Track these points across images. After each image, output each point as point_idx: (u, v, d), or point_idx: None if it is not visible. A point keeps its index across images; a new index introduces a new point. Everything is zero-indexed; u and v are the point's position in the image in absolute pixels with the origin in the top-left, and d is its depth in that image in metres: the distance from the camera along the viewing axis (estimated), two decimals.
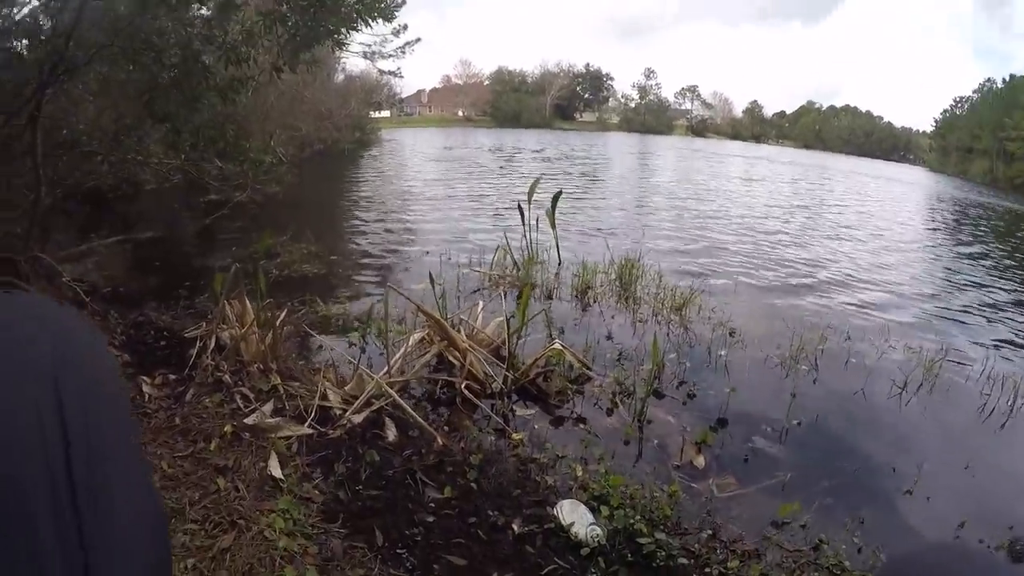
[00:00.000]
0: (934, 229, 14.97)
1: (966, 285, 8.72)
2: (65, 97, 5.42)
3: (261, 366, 3.47)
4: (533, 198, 7.06)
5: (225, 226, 6.98)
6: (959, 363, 5.28)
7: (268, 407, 3.14)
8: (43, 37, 4.86)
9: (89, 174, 6.91)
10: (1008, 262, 10.97)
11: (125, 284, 4.82)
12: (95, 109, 6.10)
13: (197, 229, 6.92)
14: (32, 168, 4.74)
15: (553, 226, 7.16)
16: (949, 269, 9.90)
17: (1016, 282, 9.12)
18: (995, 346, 5.87)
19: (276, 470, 2.63)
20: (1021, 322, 7.00)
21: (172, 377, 3.35)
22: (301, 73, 6.53)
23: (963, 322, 6.74)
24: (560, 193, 7.28)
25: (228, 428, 2.90)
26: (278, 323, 3.57)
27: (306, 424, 3.02)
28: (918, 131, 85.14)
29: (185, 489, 2.47)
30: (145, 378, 3.24)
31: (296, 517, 2.40)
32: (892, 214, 17.07)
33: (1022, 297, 8.22)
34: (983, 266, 10.36)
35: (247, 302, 3.73)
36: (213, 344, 3.58)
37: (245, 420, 3.00)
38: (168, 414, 3.00)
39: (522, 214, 6.87)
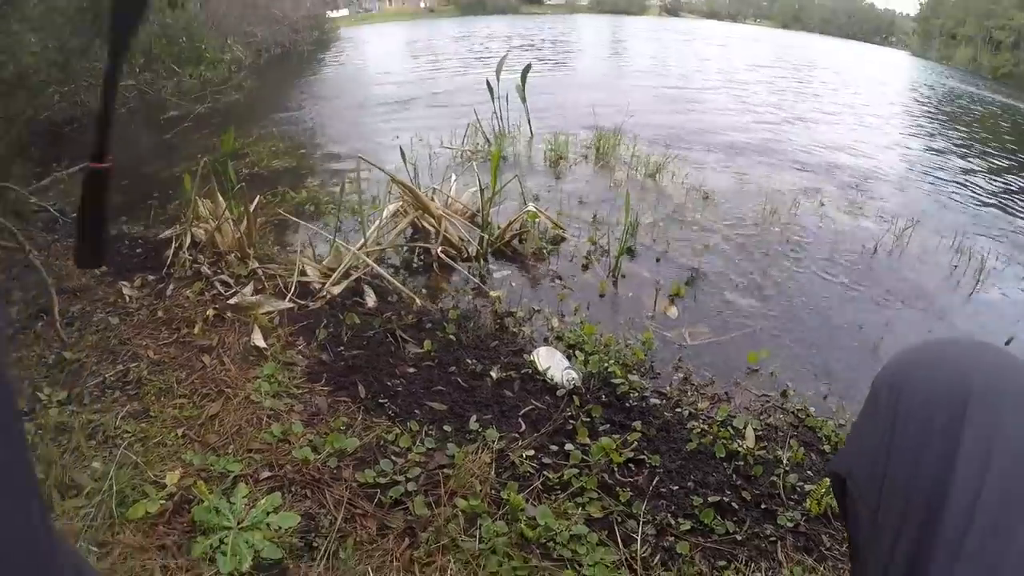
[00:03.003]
0: (915, 113, 14.68)
1: (942, 167, 8.63)
2: (5, 33, 5.23)
3: (238, 254, 3.48)
4: (502, 75, 6.94)
5: (189, 139, 6.85)
6: (928, 234, 5.29)
7: (248, 289, 3.17)
8: None
9: (43, 108, 6.75)
10: (986, 150, 10.81)
11: None
12: (39, 40, 5.89)
13: (160, 145, 6.80)
14: None
15: (524, 100, 7.05)
16: (928, 150, 9.78)
17: (993, 169, 9.01)
18: (967, 223, 5.87)
19: (259, 341, 2.68)
20: (993, 204, 6.97)
21: (151, 278, 3.35)
22: None
23: (937, 200, 6.70)
24: (529, 67, 7.11)
25: (210, 312, 2.93)
26: (252, 210, 3.56)
27: (287, 299, 3.05)
28: (902, 14, 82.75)
29: (172, 371, 2.51)
30: (124, 283, 3.25)
31: (281, 380, 2.46)
32: (874, 96, 16.74)
33: (998, 183, 8.15)
34: (963, 151, 10.22)
35: (219, 197, 3.70)
36: (189, 241, 3.56)
37: (228, 302, 3.04)
38: (150, 310, 3.02)
39: (491, 91, 6.75)
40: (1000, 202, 6.97)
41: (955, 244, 4.99)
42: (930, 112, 15.05)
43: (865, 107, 13.44)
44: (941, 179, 7.68)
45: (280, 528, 1.78)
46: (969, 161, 9.15)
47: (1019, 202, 7.11)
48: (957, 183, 7.58)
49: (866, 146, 8.96)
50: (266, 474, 2.00)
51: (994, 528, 0.57)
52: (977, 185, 7.67)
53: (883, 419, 0.71)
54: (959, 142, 10.86)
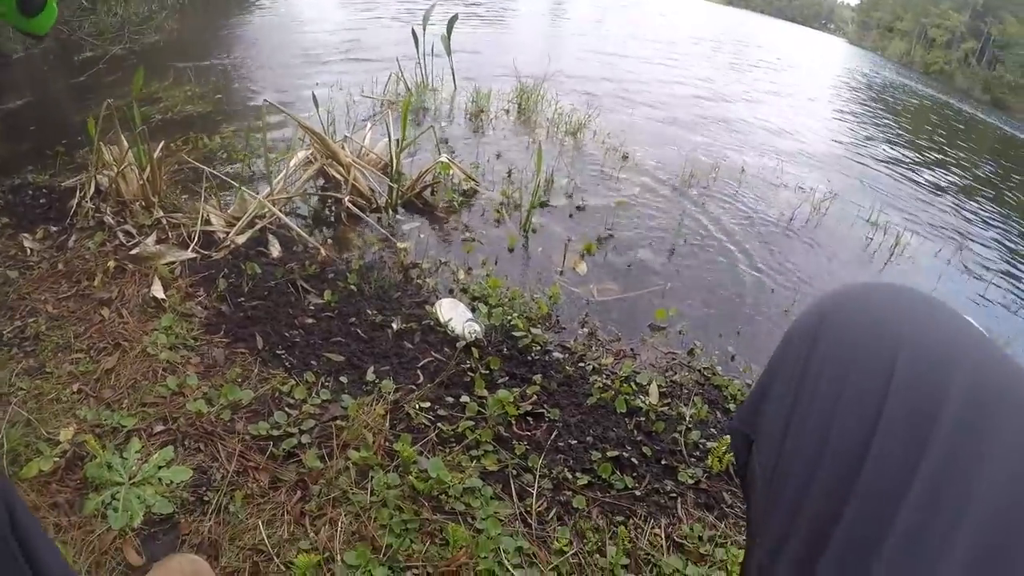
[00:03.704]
0: (847, 98, 14.92)
1: (867, 151, 8.88)
2: None
3: (143, 202, 3.42)
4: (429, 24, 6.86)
5: (102, 81, 6.59)
6: (846, 207, 5.49)
7: (151, 239, 3.13)
8: None
9: None
10: (912, 139, 11.10)
11: None
12: None
13: (72, 87, 6.54)
14: None
15: (448, 52, 6.97)
16: (855, 134, 10.02)
17: (917, 159, 9.29)
18: (886, 203, 6.08)
19: (159, 292, 2.67)
20: (909, 184, 7.25)
21: (54, 229, 3.27)
22: None
23: (858, 179, 6.97)
24: (456, 17, 7.02)
25: (111, 263, 2.89)
26: (157, 156, 3.50)
27: (190, 249, 3.03)
28: (841, 2, 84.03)
29: (70, 325, 2.49)
30: (26, 235, 3.17)
31: (178, 332, 2.47)
32: (809, 78, 16.94)
33: (916, 168, 8.43)
34: (888, 138, 10.49)
35: (123, 142, 3.62)
36: (92, 190, 3.48)
37: (129, 252, 3.01)
38: (51, 262, 2.95)
39: (416, 40, 6.66)
40: (919, 187, 7.27)
41: (872, 220, 5.17)
42: (861, 99, 15.45)
43: (799, 88, 13.80)
44: (864, 162, 7.96)
45: (172, 482, 1.81)
46: (895, 148, 9.51)
47: (938, 189, 7.43)
48: (881, 167, 7.89)
49: (795, 124, 9.20)
50: (160, 428, 2.02)
51: (925, 531, 0.46)
52: (899, 171, 7.99)
53: (791, 368, 0.62)
54: (886, 130, 11.22)
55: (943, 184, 7.99)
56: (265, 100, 3.88)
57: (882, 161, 8.28)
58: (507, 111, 6.44)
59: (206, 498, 1.80)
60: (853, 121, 11.30)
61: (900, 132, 11.65)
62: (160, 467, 1.84)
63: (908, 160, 8.92)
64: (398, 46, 8.31)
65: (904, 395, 0.50)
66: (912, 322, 0.55)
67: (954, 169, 9.09)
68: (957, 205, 7.08)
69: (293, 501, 1.83)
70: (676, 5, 45.51)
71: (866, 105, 14.40)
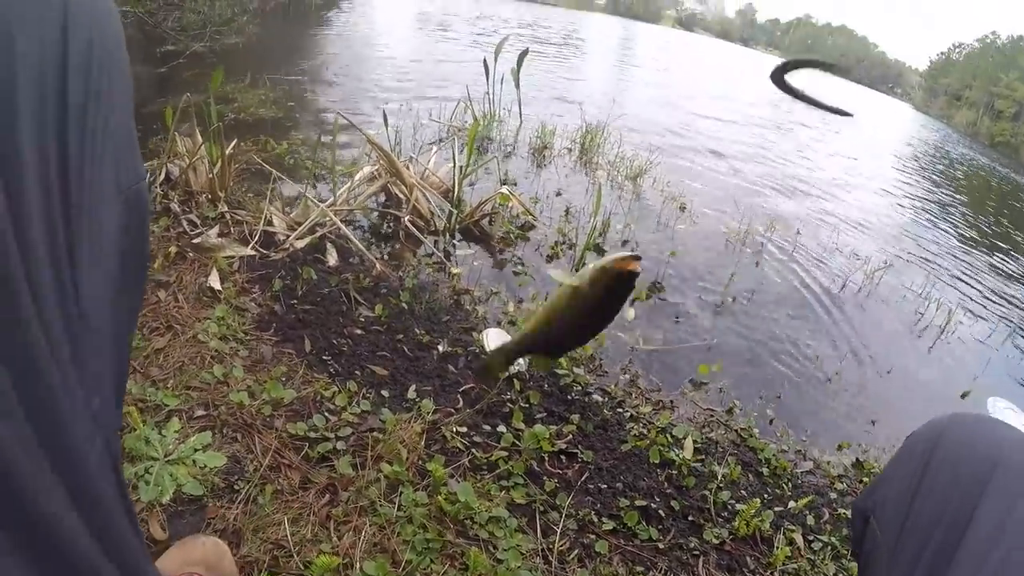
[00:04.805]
0: (910, 167, 14.83)
1: (926, 221, 8.80)
2: None
3: (209, 195, 3.50)
4: (500, 56, 6.95)
5: (181, 75, 6.78)
6: (900, 279, 5.41)
7: (214, 231, 3.19)
8: None
9: None
10: (968, 213, 10.98)
11: None
12: None
13: (151, 77, 6.73)
14: None
15: (517, 85, 7.06)
16: (916, 204, 9.93)
17: (972, 232, 9.18)
18: (938, 275, 6.01)
19: (216, 283, 2.71)
20: (966, 263, 7.11)
21: None
22: None
23: (912, 250, 6.84)
24: (526, 52, 7.12)
25: (172, 249, 2.95)
26: (228, 153, 3.58)
27: (250, 246, 3.08)
28: (910, 66, 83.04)
29: None
30: None
31: (230, 324, 2.50)
32: (874, 144, 16.88)
33: (975, 246, 8.31)
34: (949, 210, 10.39)
35: (198, 136, 3.71)
36: (163, 176, 3.56)
37: (192, 241, 3.07)
38: None
39: (487, 70, 6.76)
40: (976, 266, 7.12)
41: (925, 295, 5.09)
42: (924, 169, 15.31)
43: (862, 154, 13.64)
44: (922, 235, 7.82)
45: (205, 466, 1.82)
46: (954, 224, 9.35)
47: (995, 270, 7.27)
48: (939, 242, 7.74)
49: (855, 190, 9.12)
50: (200, 412, 2.03)
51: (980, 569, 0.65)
52: (957, 247, 7.85)
53: (915, 466, 0.79)
54: (948, 204, 11.06)
55: (1000, 265, 7.81)
56: (338, 112, 3.95)
57: (940, 236, 8.14)
58: (569, 149, 6.49)
59: (236, 487, 1.81)
60: (914, 192, 11.16)
61: (962, 207, 11.43)
62: (196, 450, 1.86)
63: (967, 237, 8.76)
64: (467, 72, 8.46)
65: (995, 495, 0.69)
66: (1008, 446, 0.75)
67: (1014, 253, 8.89)
68: (1012, 288, 6.92)
69: (321, 504, 1.82)
70: (741, 61, 45.74)
71: (928, 176, 14.24)
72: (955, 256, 7.37)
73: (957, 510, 0.70)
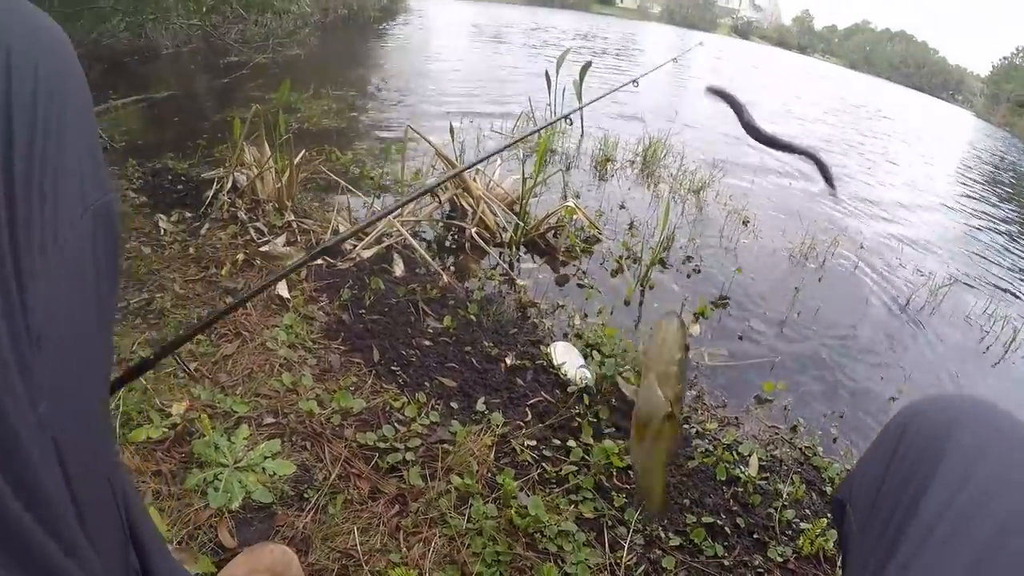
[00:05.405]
0: (975, 179, 14.40)
1: (991, 236, 8.47)
2: None
3: (276, 204, 3.52)
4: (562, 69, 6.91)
5: (245, 85, 6.91)
6: (964, 296, 5.20)
7: (281, 239, 3.21)
8: None
9: (107, 35, 6.84)
10: None
11: (143, 138, 4.79)
12: None
13: (216, 87, 6.86)
14: None
15: (579, 97, 7.01)
16: (980, 218, 9.58)
17: None
18: (1004, 292, 5.76)
19: (284, 291, 2.70)
20: None
21: (188, 215, 3.40)
22: None
23: (977, 264, 6.58)
24: (589, 64, 7.07)
25: (240, 256, 2.97)
26: (296, 163, 3.59)
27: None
28: (971, 72, 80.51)
29: (194, 307, 2.55)
30: (161, 216, 3.30)
31: (298, 332, 2.48)
32: (937, 156, 16.45)
33: None
34: (1010, 224, 10.03)
35: (265, 145, 3.74)
36: (230, 185, 3.60)
37: (259, 249, 3.07)
38: (183, 245, 3.06)
39: (549, 82, 6.72)
40: None
41: (990, 312, 4.90)
42: (989, 182, 14.78)
43: (926, 165, 13.26)
44: (987, 251, 7.52)
45: (275, 474, 1.80)
46: (1021, 239, 9.00)
47: None
48: (1005, 257, 7.44)
49: (919, 204, 8.82)
50: (269, 420, 2.02)
51: (944, 545, 0.65)
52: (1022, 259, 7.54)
53: (886, 450, 0.81)
54: (1014, 219, 10.67)
55: None
56: (408, 125, 3.95)
57: (1006, 251, 7.85)
58: (632, 162, 6.40)
59: (306, 495, 1.79)
60: (979, 206, 10.75)
61: None
62: (266, 457, 1.84)
63: None
64: (526, 84, 8.46)
65: (950, 468, 0.70)
66: (967, 419, 0.75)
67: None
68: None
69: (390, 514, 1.79)
70: (801, 66, 45.17)
71: (994, 189, 13.76)
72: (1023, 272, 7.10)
73: (914, 489, 0.72)
